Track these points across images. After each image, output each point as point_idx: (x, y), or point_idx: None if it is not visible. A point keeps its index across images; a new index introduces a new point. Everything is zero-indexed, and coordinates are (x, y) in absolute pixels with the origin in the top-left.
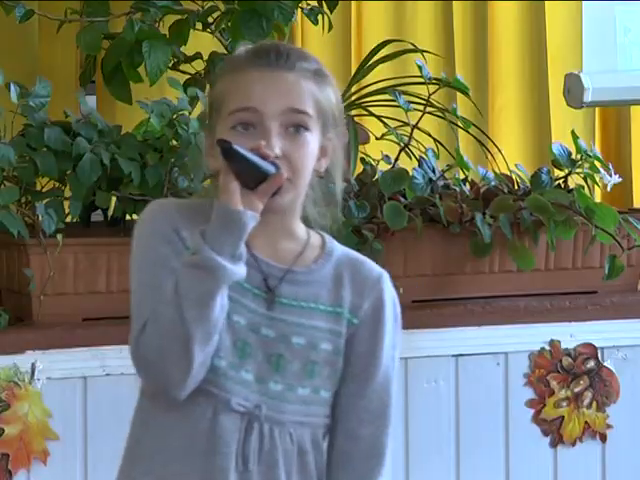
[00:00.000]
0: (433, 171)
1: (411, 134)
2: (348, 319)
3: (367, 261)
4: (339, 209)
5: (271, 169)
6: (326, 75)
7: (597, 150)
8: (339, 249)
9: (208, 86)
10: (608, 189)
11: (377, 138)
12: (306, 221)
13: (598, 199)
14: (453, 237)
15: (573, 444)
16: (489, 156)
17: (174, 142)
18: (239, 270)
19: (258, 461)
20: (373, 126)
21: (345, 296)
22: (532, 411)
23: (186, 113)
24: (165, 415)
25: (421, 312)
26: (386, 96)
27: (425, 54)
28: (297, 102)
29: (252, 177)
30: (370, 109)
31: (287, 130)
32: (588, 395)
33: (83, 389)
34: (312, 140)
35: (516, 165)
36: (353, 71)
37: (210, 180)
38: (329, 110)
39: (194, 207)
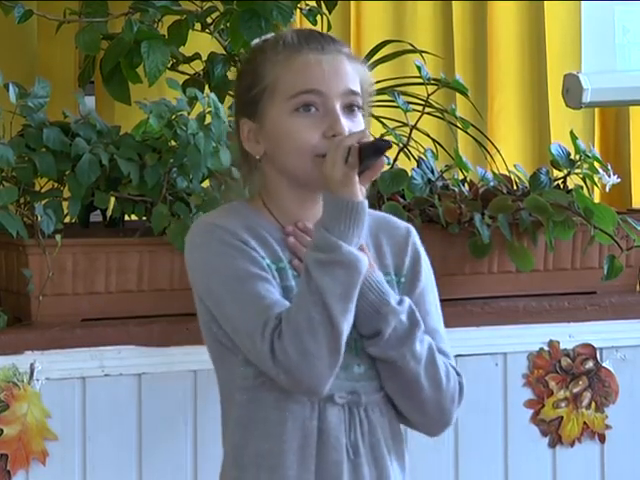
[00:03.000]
0: (432, 172)
1: (410, 134)
2: (397, 281)
3: (391, 218)
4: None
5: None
6: (360, 57)
7: (596, 150)
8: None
9: (237, 74)
10: (607, 189)
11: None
12: None
13: (597, 199)
14: (452, 237)
15: (572, 444)
16: (488, 157)
17: (173, 143)
18: (367, 259)
19: (364, 445)
20: (372, 126)
21: (388, 263)
22: (531, 411)
23: (185, 114)
24: (270, 418)
25: None
26: (385, 96)
27: (424, 54)
28: (352, 83)
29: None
30: None
31: (343, 111)
32: (587, 395)
33: (82, 389)
34: (362, 119)
35: (515, 165)
36: None
37: (216, 179)
38: (367, 91)
39: (232, 213)
